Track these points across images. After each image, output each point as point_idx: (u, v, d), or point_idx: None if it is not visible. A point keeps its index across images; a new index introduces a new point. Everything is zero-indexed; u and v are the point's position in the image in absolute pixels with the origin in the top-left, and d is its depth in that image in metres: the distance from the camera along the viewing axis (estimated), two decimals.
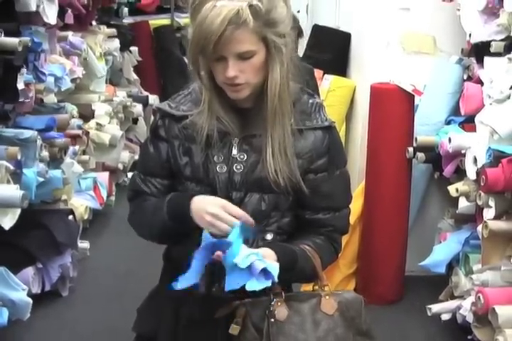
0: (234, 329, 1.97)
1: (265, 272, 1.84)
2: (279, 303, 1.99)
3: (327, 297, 2.03)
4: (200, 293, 2.04)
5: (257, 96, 2.00)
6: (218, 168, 2.03)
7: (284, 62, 1.96)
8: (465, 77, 4.63)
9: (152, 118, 2.11)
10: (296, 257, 2.00)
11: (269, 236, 2.06)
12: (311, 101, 2.09)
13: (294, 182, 2.01)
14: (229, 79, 1.92)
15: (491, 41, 4.09)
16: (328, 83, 5.20)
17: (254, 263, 1.83)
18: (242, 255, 1.82)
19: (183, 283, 1.89)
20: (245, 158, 2.03)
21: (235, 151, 2.03)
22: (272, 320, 1.97)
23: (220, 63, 1.92)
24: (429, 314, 4.12)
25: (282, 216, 2.08)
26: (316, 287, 2.07)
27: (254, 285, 1.84)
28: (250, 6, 1.86)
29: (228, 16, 1.83)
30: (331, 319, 2.02)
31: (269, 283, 1.86)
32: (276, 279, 1.86)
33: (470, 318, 3.82)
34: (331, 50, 5.36)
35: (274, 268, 1.85)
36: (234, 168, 2.03)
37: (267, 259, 1.88)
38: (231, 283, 1.85)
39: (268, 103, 1.97)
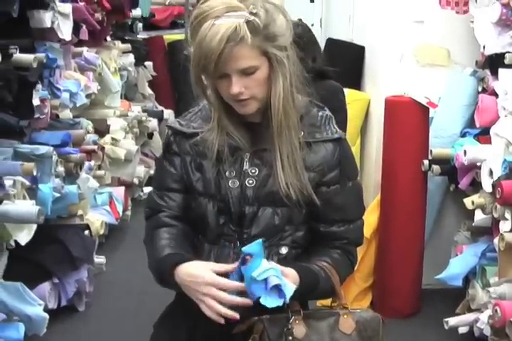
0: None
1: (279, 290, 1.84)
2: (297, 321, 1.97)
3: (345, 316, 2.02)
4: None
5: (265, 110, 2.01)
6: (231, 183, 2.03)
7: (286, 76, 1.96)
8: (479, 89, 4.61)
9: (167, 133, 2.12)
10: (318, 279, 1.99)
11: (283, 250, 2.05)
12: (320, 113, 2.09)
13: (306, 195, 2.01)
14: (234, 95, 1.93)
15: (505, 53, 4.08)
16: None
17: (270, 278, 1.82)
18: (261, 269, 1.82)
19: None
20: (257, 172, 2.03)
21: (246, 166, 2.04)
22: (290, 337, 1.95)
23: (224, 80, 1.93)
24: (446, 327, 4.10)
25: (296, 229, 2.07)
26: (334, 304, 2.06)
27: (266, 301, 1.84)
28: (248, 22, 1.87)
29: (226, 34, 1.84)
30: (348, 338, 2.00)
31: (280, 303, 1.85)
32: (288, 300, 1.85)
33: (487, 331, 3.80)
34: (345, 63, 5.34)
35: (289, 288, 1.85)
36: (246, 182, 2.03)
37: (287, 278, 1.87)
38: (248, 287, 1.86)
39: (273, 117, 1.97)
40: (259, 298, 1.84)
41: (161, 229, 2.08)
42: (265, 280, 1.82)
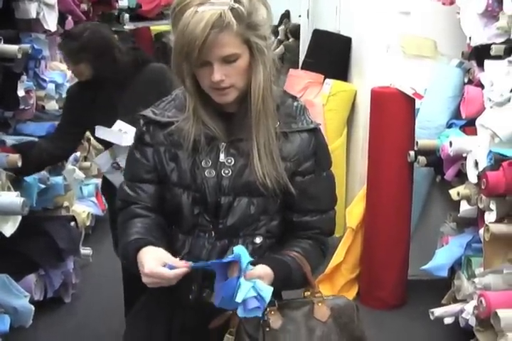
0: (228, 340, 1.97)
1: (258, 298, 1.84)
2: (272, 312, 1.99)
3: (319, 304, 2.04)
4: (191, 299, 2.04)
5: (242, 100, 2.01)
6: (207, 173, 2.02)
7: (266, 65, 1.96)
8: (466, 80, 4.63)
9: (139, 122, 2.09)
10: (290, 270, 2.00)
11: (258, 240, 2.06)
12: (295, 104, 2.10)
13: (282, 184, 2.01)
14: (215, 83, 1.92)
15: (491, 44, 4.09)
16: (328, 87, 5.20)
17: (249, 300, 1.82)
18: (243, 290, 1.81)
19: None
20: (233, 162, 2.03)
21: (222, 156, 2.03)
22: (267, 329, 1.97)
23: (205, 68, 1.92)
24: (431, 318, 4.11)
25: (271, 219, 2.07)
26: (308, 293, 2.08)
27: (244, 313, 1.84)
28: (232, 9, 1.87)
29: (211, 20, 1.84)
30: (324, 326, 2.02)
31: (259, 313, 1.86)
32: (265, 305, 1.86)
33: (472, 322, 3.81)
34: (332, 54, 5.35)
35: (267, 295, 1.84)
36: (222, 172, 2.02)
37: (263, 280, 1.87)
38: (224, 304, 1.86)
39: (252, 106, 1.97)
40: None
41: (134, 219, 2.06)
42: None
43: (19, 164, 3.65)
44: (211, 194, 2.02)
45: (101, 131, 3.64)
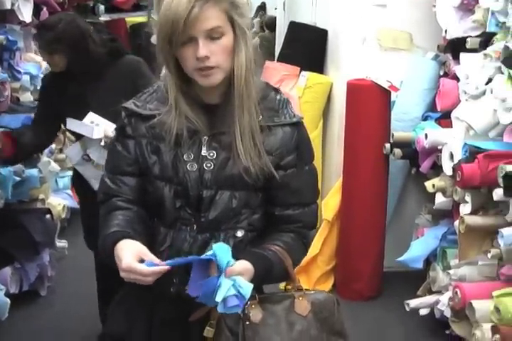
0: (208, 332, 1.96)
1: (238, 296, 1.84)
2: (253, 306, 1.98)
3: (300, 298, 2.04)
4: (172, 292, 2.03)
5: (224, 91, 2.00)
6: (189, 167, 2.01)
7: (248, 46, 1.97)
8: (441, 73, 4.66)
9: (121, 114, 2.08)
10: (271, 265, 2.00)
11: (239, 234, 2.05)
12: (278, 97, 2.09)
13: (266, 176, 2.01)
14: (200, 60, 1.91)
15: (466, 37, 4.11)
16: (304, 80, 5.20)
17: (228, 298, 1.82)
18: (223, 289, 1.81)
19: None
20: (215, 155, 2.02)
21: (204, 149, 2.02)
22: (247, 322, 1.97)
23: (190, 47, 1.91)
24: (407, 309, 4.14)
25: (253, 213, 2.07)
26: (289, 287, 2.08)
27: (224, 309, 1.84)
28: None
29: None
30: (304, 320, 2.02)
31: (239, 310, 1.87)
32: (245, 302, 1.86)
33: (448, 313, 3.85)
34: (308, 46, 5.35)
35: (247, 292, 1.84)
36: (204, 166, 2.01)
37: (243, 276, 1.86)
38: (204, 300, 1.85)
39: (235, 88, 1.96)
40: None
41: (115, 211, 2.05)
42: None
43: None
44: (193, 187, 2.02)
45: (72, 123, 3.62)
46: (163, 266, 1.84)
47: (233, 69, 1.96)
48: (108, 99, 3.05)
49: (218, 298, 1.80)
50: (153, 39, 3.27)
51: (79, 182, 3.83)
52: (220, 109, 2.02)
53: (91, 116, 3.54)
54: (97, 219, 3.17)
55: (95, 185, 3.60)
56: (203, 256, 1.86)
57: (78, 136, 3.71)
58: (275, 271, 2.01)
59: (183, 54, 1.94)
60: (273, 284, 2.12)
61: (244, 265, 1.90)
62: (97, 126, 3.51)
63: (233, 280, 1.83)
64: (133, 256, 1.84)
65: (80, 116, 3.56)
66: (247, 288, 1.84)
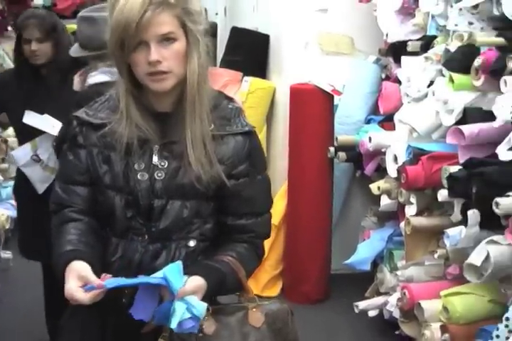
0: None
1: (192, 317, 1.83)
2: (206, 317, 1.95)
3: (254, 309, 2.03)
4: (124, 302, 1.99)
5: (176, 100, 1.99)
6: (139, 176, 2.00)
7: (201, 53, 1.95)
8: (383, 76, 4.71)
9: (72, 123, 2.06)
10: (224, 276, 1.98)
11: (191, 243, 2.03)
12: (230, 106, 2.08)
13: (218, 185, 1.99)
14: (152, 64, 1.90)
15: (407, 41, 4.17)
16: (247, 85, 5.21)
17: (183, 322, 1.81)
18: (177, 315, 1.80)
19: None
20: (166, 164, 2.00)
21: (155, 158, 2.00)
22: (200, 334, 1.94)
23: (142, 51, 1.90)
24: (356, 311, 4.16)
25: (205, 222, 2.05)
26: (242, 298, 2.06)
27: (179, 330, 1.83)
28: None
29: None
30: (258, 332, 2.01)
31: (194, 330, 1.86)
32: (200, 321, 1.86)
33: (396, 314, 3.88)
34: (250, 52, 5.37)
35: (201, 311, 1.84)
36: (155, 175, 2.00)
37: (196, 294, 1.85)
38: (159, 323, 1.85)
39: (187, 95, 1.95)
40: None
41: (68, 224, 2.02)
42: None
43: None
44: (143, 197, 2.00)
45: (31, 117, 3.53)
46: (96, 291, 1.82)
47: (186, 75, 1.95)
48: (63, 107, 3.03)
49: (173, 325, 1.79)
50: (73, 51, 3.25)
51: (21, 186, 3.76)
52: (171, 118, 2.01)
53: (47, 118, 3.48)
54: (38, 226, 3.10)
55: (41, 188, 3.55)
56: (152, 280, 1.84)
57: (25, 138, 3.64)
58: (228, 283, 1.99)
59: (134, 59, 1.93)
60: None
61: (196, 282, 1.88)
62: (54, 127, 3.46)
63: (186, 303, 1.82)
64: (76, 281, 1.84)
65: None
66: (201, 308, 1.84)
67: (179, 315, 1.79)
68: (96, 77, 3.09)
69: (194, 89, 1.95)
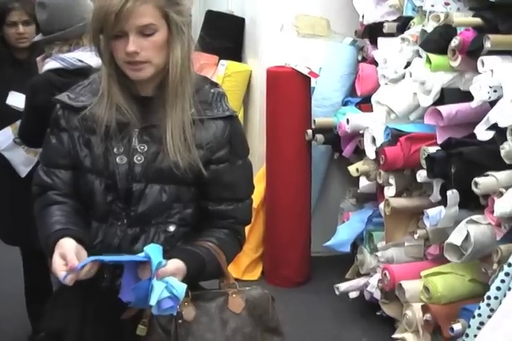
0: (141, 330, 1.94)
1: (171, 297, 1.82)
2: (186, 303, 1.96)
3: (234, 295, 2.03)
4: (103, 287, 2.01)
5: (158, 84, 1.98)
6: (118, 160, 1.99)
7: (185, 43, 1.94)
8: (359, 58, 4.70)
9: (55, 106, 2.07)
10: (203, 262, 1.97)
11: (171, 228, 2.03)
12: (212, 90, 2.06)
13: (196, 171, 1.99)
14: (129, 54, 1.89)
15: (383, 22, 4.17)
16: (223, 68, 5.18)
17: (162, 301, 1.80)
18: (156, 292, 1.79)
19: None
20: (146, 148, 1.99)
21: (135, 142, 2.00)
22: (180, 321, 1.95)
23: (121, 40, 1.89)
24: (337, 293, 4.18)
25: (184, 207, 2.04)
26: (223, 284, 2.06)
27: (159, 312, 1.82)
28: None
29: None
30: (238, 317, 2.01)
31: (174, 311, 1.85)
32: (180, 302, 1.84)
33: (377, 295, 3.90)
34: (226, 35, 5.33)
35: (180, 292, 1.82)
36: (134, 159, 1.99)
37: (176, 276, 1.85)
38: (137, 305, 1.85)
39: (169, 85, 1.94)
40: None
41: (52, 206, 2.02)
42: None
43: None
44: (122, 181, 1.99)
45: (15, 98, 3.48)
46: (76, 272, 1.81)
47: (168, 65, 1.94)
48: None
49: (153, 302, 1.77)
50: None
51: (1, 171, 3.72)
52: (153, 102, 2.00)
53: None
54: (17, 211, 3.07)
55: (24, 171, 3.52)
56: (136, 257, 1.84)
57: (5, 123, 3.59)
58: (208, 268, 1.99)
59: (115, 46, 1.92)
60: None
61: (176, 264, 1.88)
62: None
63: (166, 282, 1.81)
64: (59, 259, 1.83)
65: None
66: (181, 288, 1.83)
67: (158, 293, 1.78)
68: (49, 64, 3.06)
69: (176, 80, 1.94)
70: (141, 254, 1.82)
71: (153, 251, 1.82)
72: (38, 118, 2.72)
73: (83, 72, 2.65)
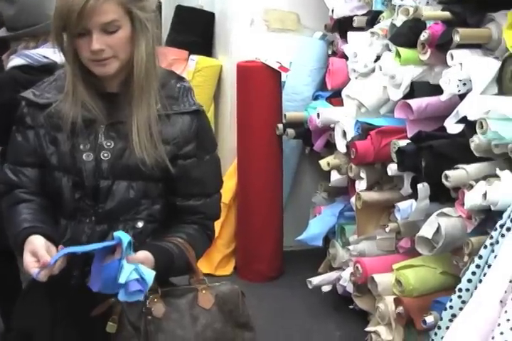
0: (110, 328, 1.94)
1: (140, 281, 1.82)
2: (155, 300, 1.97)
3: (204, 291, 2.04)
4: (73, 285, 2.01)
5: (124, 80, 1.98)
6: (85, 157, 1.98)
7: (149, 39, 1.94)
8: (329, 52, 4.71)
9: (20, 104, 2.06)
10: (172, 257, 1.98)
11: (139, 225, 2.03)
12: (178, 85, 2.06)
13: (163, 167, 1.98)
14: (94, 53, 1.88)
15: (353, 16, 4.17)
16: (194, 63, 5.16)
17: (130, 283, 1.80)
18: (125, 272, 1.79)
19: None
20: (112, 145, 1.99)
21: (101, 139, 1.99)
22: (149, 317, 1.96)
23: (85, 38, 1.88)
24: (309, 287, 4.18)
25: (153, 203, 2.04)
26: (192, 280, 2.07)
27: (126, 297, 1.82)
28: None
29: None
30: (208, 313, 2.02)
31: (141, 297, 1.84)
32: (148, 289, 1.84)
33: (350, 288, 3.91)
34: (196, 30, 5.32)
35: (149, 278, 1.83)
36: (101, 155, 1.98)
37: (144, 264, 1.85)
38: (105, 288, 1.84)
39: (134, 81, 1.94)
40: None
41: (19, 204, 2.02)
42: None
43: None
44: (89, 178, 1.99)
45: None
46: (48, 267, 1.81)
47: (132, 62, 1.93)
48: None
49: (122, 280, 1.77)
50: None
51: None
52: (119, 98, 2.00)
53: None
54: None
55: None
56: (106, 243, 1.84)
57: None
58: (176, 264, 1.99)
59: (78, 44, 1.91)
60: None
61: (145, 254, 1.89)
62: None
63: (135, 264, 1.81)
64: (30, 256, 1.83)
65: None
66: (150, 274, 1.83)
67: (127, 272, 1.78)
68: (14, 61, 3.01)
69: (142, 75, 1.94)
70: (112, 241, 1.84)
71: (123, 234, 1.83)
72: (2, 116, 2.68)
73: (48, 68, 2.63)
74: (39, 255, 1.81)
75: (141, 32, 1.92)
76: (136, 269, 1.81)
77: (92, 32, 1.86)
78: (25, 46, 3.01)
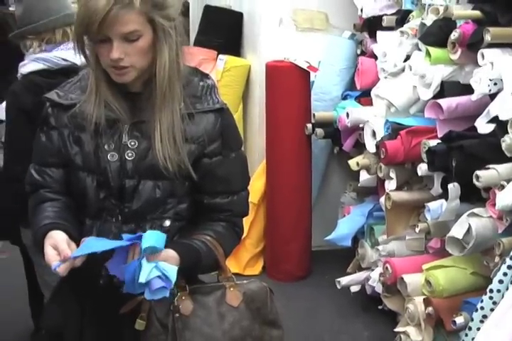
0: (139, 325, 1.95)
1: (162, 277, 1.82)
2: (183, 297, 1.97)
3: (232, 288, 2.03)
4: (101, 284, 2.02)
5: (147, 80, 1.97)
6: (109, 157, 1.99)
7: (172, 46, 1.92)
8: (358, 51, 4.69)
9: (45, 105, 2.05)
10: (199, 256, 1.98)
11: (167, 223, 2.03)
12: (201, 83, 2.05)
13: (184, 169, 1.98)
14: (113, 61, 1.88)
15: (382, 15, 4.16)
16: (222, 63, 5.17)
17: (153, 281, 1.80)
18: (145, 271, 1.80)
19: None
20: (136, 144, 1.99)
21: (125, 138, 1.99)
22: (177, 314, 1.96)
23: (105, 45, 1.88)
24: (338, 287, 4.17)
25: (179, 202, 2.04)
26: (220, 277, 2.07)
27: (151, 295, 1.82)
28: None
29: None
30: (236, 311, 2.02)
31: (166, 293, 1.84)
32: (172, 285, 1.84)
33: (379, 289, 3.90)
34: (224, 30, 5.33)
35: (172, 274, 1.83)
36: (125, 155, 1.99)
37: (168, 261, 1.85)
38: (129, 288, 1.85)
39: (157, 87, 1.93)
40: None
41: (44, 203, 2.03)
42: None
43: None
44: (114, 177, 1.99)
45: None
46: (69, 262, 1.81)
47: (155, 69, 1.92)
48: None
49: (142, 279, 1.78)
50: None
51: None
52: (142, 98, 1.99)
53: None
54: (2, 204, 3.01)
55: None
56: (123, 242, 1.85)
57: None
58: (204, 262, 1.99)
59: (99, 50, 1.92)
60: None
61: (167, 252, 1.88)
62: None
63: (155, 262, 1.82)
64: (51, 249, 1.83)
65: None
66: (172, 270, 1.83)
67: (147, 271, 1.79)
68: (28, 66, 2.95)
69: (164, 81, 1.93)
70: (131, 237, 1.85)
71: (151, 235, 1.84)
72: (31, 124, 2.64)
73: (68, 71, 2.62)
74: (60, 249, 1.82)
75: (164, 40, 1.91)
76: (157, 266, 1.81)
77: (113, 40, 1.86)
78: (33, 48, 2.96)
